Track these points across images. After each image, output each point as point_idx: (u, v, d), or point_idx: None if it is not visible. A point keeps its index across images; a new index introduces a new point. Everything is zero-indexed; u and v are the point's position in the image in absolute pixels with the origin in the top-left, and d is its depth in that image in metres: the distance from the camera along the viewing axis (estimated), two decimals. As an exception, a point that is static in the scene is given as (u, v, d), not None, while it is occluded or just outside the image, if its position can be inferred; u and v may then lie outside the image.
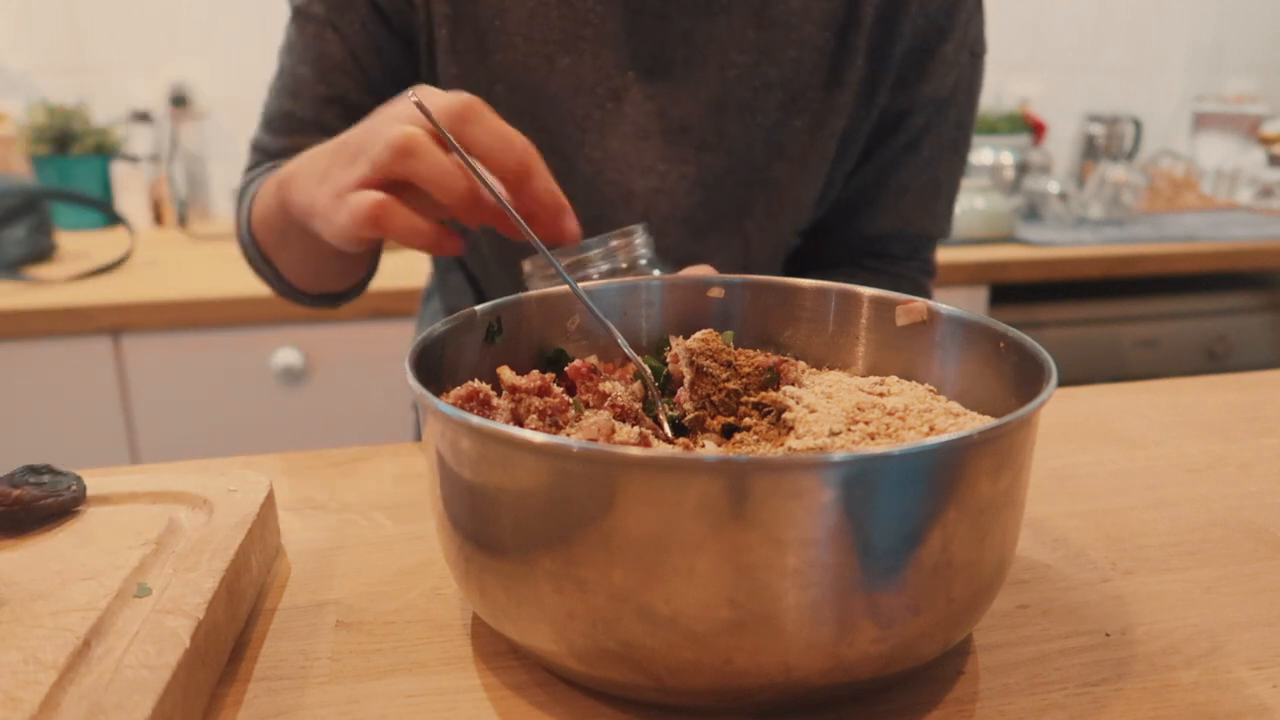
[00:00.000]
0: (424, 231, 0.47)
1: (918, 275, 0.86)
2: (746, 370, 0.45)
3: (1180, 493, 0.55)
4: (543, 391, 0.42)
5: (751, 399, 0.44)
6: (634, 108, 0.74)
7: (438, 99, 0.47)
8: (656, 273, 0.56)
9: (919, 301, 0.48)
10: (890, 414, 0.42)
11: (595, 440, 0.38)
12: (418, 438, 1.03)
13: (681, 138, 0.75)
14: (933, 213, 0.82)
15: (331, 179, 0.50)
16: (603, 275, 0.55)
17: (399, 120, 0.47)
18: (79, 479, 0.46)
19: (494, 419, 0.41)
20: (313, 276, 0.73)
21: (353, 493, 0.55)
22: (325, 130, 0.71)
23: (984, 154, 2.00)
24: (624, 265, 0.56)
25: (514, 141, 0.47)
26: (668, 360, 0.48)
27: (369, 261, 0.75)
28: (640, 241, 0.56)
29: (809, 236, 0.86)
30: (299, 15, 0.74)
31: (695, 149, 0.75)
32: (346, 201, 0.47)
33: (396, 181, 0.47)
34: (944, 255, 1.71)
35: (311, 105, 0.74)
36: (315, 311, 1.44)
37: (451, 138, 0.45)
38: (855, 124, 0.77)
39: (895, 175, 0.81)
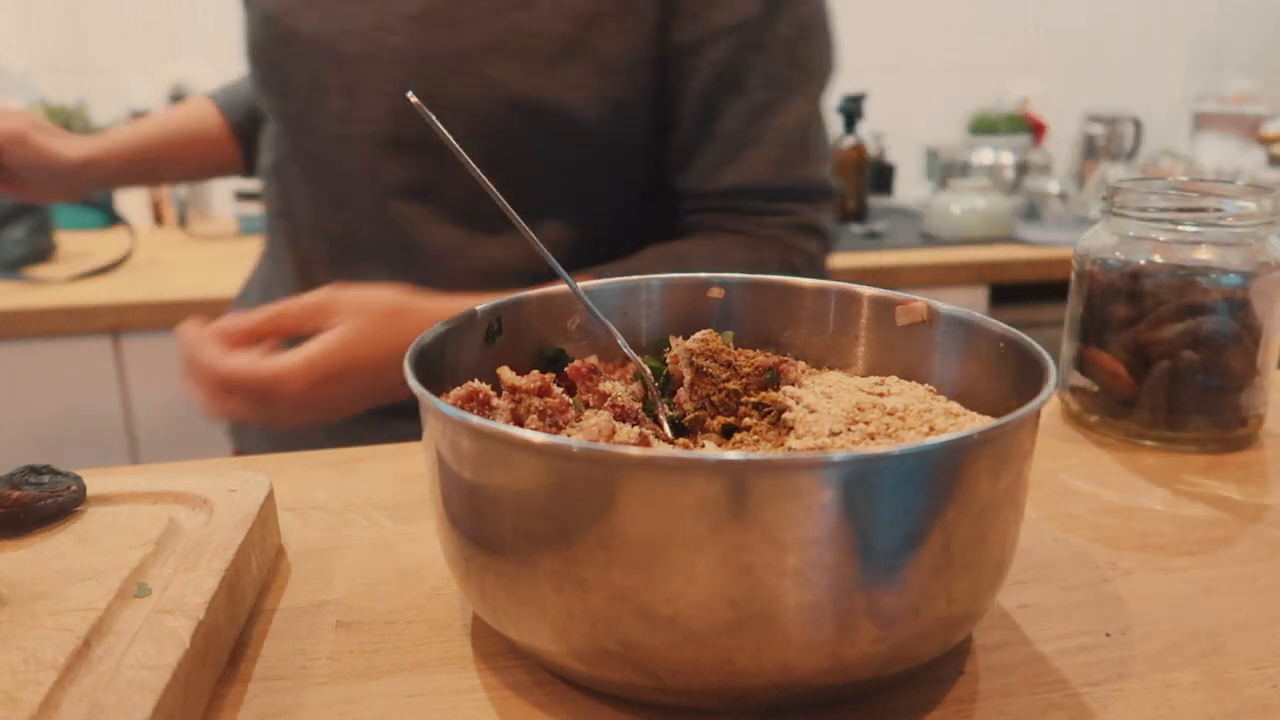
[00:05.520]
0: None
1: (788, 234, 0.78)
2: (746, 370, 0.45)
3: (1180, 492, 0.55)
4: (543, 391, 0.42)
5: (751, 399, 0.44)
6: None
7: None
8: None
9: (919, 301, 0.48)
10: (890, 414, 0.42)
11: (595, 440, 0.38)
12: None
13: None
14: (778, 161, 0.77)
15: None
16: None
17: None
18: (79, 479, 0.46)
19: (494, 419, 0.41)
20: None
21: (353, 493, 0.55)
22: None
23: (984, 154, 2.00)
24: None
25: None
26: (668, 360, 0.48)
27: None
28: None
29: (667, 202, 0.81)
30: None
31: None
32: None
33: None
34: (944, 255, 1.73)
35: None
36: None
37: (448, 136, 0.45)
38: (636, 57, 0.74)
39: (720, 122, 0.76)
